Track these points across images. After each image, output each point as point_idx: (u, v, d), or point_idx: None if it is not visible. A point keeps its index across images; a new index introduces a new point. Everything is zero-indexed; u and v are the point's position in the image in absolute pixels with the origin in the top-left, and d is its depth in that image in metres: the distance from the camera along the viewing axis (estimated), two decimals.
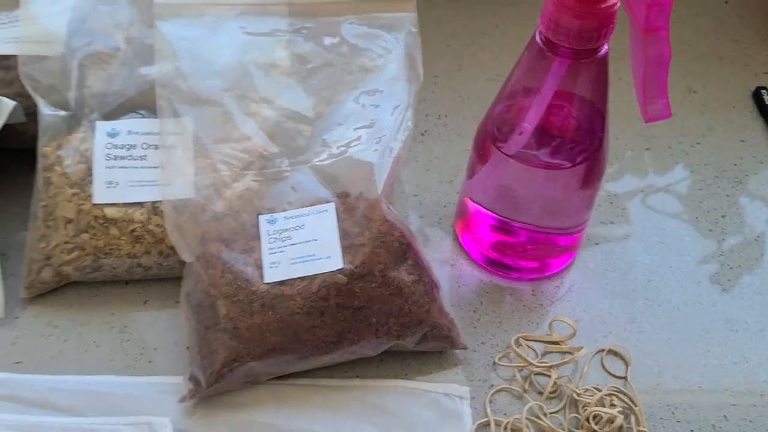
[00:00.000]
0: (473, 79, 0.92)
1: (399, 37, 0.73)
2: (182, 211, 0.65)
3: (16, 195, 0.74)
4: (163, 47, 0.70)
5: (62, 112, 0.69)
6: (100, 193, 0.66)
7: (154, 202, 0.67)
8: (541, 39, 0.57)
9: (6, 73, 0.72)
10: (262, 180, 0.65)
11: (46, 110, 0.69)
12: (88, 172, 0.67)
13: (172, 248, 0.66)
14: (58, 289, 0.69)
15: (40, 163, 0.68)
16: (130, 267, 0.67)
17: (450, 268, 0.72)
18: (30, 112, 0.71)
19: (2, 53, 0.71)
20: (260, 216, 0.63)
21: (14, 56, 0.71)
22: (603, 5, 0.52)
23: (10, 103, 0.69)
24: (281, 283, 0.60)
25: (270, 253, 0.61)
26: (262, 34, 0.73)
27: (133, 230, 0.66)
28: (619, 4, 0.53)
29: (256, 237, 0.63)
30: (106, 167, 0.67)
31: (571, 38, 0.54)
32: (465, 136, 0.84)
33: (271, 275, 0.60)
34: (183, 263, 0.67)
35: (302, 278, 0.60)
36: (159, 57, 0.70)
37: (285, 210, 0.64)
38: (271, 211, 0.64)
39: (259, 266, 0.61)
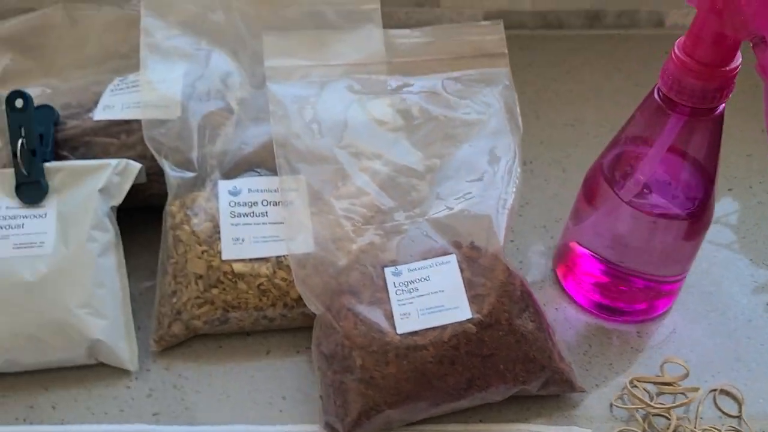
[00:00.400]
0: (550, 125, 0.95)
1: (496, 91, 0.77)
2: (306, 264, 0.68)
3: (136, 250, 0.77)
4: (276, 108, 0.75)
5: (187, 173, 0.73)
6: (228, 250, 0.70)
7: (278, 257, 0.70)
8: (659, 96, 0.60)
9: (128, 137, 0.76)
10: (383, 234, 0.69)
11: (171, 171, 0.73)
12: (215, 230, 0.70)
13: (295, 300, 0.70)
14: (185, 341, 0.72)
15: (167, 221, 0.72)
16: (255, 319, 0.71)
17: (555, 312, 0.75)
18: (150, 172, 0.75)
19: (125, 118, 0.75)
20: (386, 268, 0.67)
21: (136, 120, 0.75)
22: (726, 68, 0.56)
23: (135, 166, 0.73)
24: (413, 333, 0.63)
25: (399, 305, 0.65)
26: (367, 92, 0.77)
27: (260, 284, 0.69)
28: (740, 67, 0.57)
29: (383, 288, 0.66)
30: (231, 224, 0.71)
31: (692, 98, 0.58)
32: (551, 180, 0.87)
33: (403, 326, 0.63)
34: (305, 315, 0.70)
35: (433, 328, 0.63)
36: (274, 118, 0.74)
37: (408, 262, 0.67)
38: (395, 263, 0.67)
39: (390, 317, 0.64)
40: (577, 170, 0.86)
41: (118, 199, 0.72)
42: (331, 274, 0.68)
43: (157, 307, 0.71)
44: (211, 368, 0.71)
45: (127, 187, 0.72)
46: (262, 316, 0.70)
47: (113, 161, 0.72)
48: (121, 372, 0.70)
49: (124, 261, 0.72)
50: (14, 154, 0.70)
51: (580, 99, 0.99)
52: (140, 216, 0.78)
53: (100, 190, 0.71)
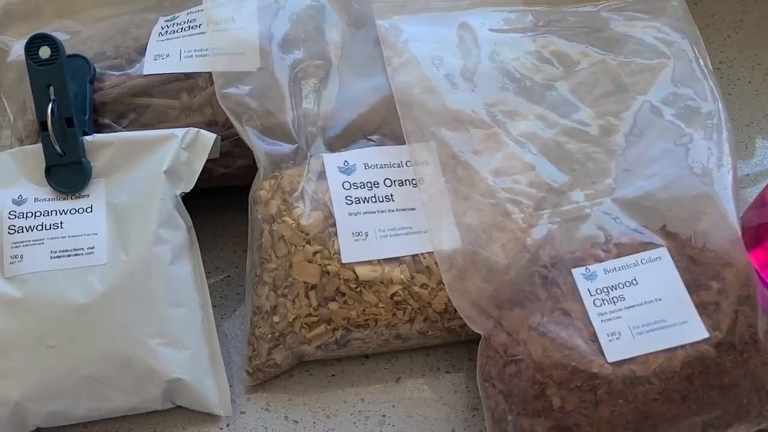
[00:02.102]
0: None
1: (672, 24, 0.59)
2: (453, 265, 0.51)
3: (209, 242, 0.59)
4: (392, 53, 0.56)
5: (281, 144, 0.54)
6: (349, 249, 0.51)
7: (414, 256, 0.52)
8: None
9: (191, 96, 0.56)
10: (560, 221, 0.51)
11: (259, 142, 0.54)
12: (327, 222, 0.52)
13: (440, 313, 0.52)
14: (287, 370, 0.54)
15: (257, 211, 0.53)
16: (385, 340, 0.53)
17: None
18: (224, 145, 0.56)
19: (187, 71, 0.56)
20: (574, 270, 0.49)
21: (201, 74, 0.56)
22: None
23: (209, 137, 0.54)
24: (629, 360, 0.46)
25: (603, 320, 0.47)
26: (507, 29, 0.58)
27: (394, 294, 0.51)
28: None
29: (574, 297, 0.48)
30: (349, 213, 0.52)
31: None
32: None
33: (613, 351, 0.46)
34: (450, 330, 0.53)
35: (656, 353, 0.46)
36: (391, 66, 0.55)
37: (601, 260, 0.50)
38: (583, 262, 0.50)
39: (593, 338, 0.47)
40: None
41: (188, 184, 0.53)
42: (494, 277, 0.50)
43: (250, 328, 0.53)
44: (327, 405, 0.53)
45: (199, 166, 0.53)
46: (395, 336, 0.53)
47: (178, 131, 0.53)
48: (207, 418, 0.52)
49: (203, 267, 0.53)
50: (42, 125, 0.51)
51: None
52: (203, 197, 0.59)
53: (166, 172, 0.52)
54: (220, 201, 0.62)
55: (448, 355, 0.56)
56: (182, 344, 0.49)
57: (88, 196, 0.51)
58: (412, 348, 0.55)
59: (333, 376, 0.55)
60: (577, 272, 0.49)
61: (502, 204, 0.51)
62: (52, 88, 0.50)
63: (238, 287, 0.59)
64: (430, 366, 0.55)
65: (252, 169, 0.58)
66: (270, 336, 0.52)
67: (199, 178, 0.55)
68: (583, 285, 0.49)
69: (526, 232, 0.50)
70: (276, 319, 0.52)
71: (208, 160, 0.55)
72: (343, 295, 0.51)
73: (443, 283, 0.51)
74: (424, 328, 0.53)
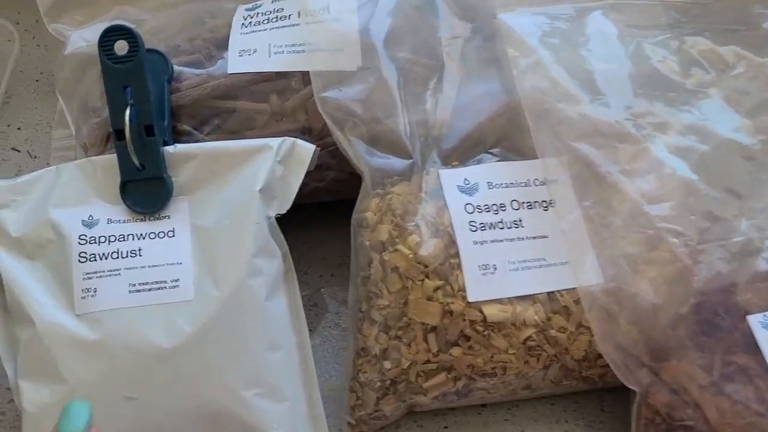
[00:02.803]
0: None
1: None
2: (599, 304, 0.43)
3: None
4: (517, 51, 0.48)
5: (391, 158, 0.47)
6: (476, 285, 0.44)
7: (550, 293, 0.44)
8: None
9: (282, 100, 0.49)
10: (728, 256, 0.44)
11: (365, 155, 0.46)
12: (448, 252, 0.44)
13: (579, 361, 0.45)
14: (391, 423, 0.47)
15: (363, 236, 0.46)
16: (512, 390, 0.46)
17: None
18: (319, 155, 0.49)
19: (278, 69, 0.48)
20: (750, 317, 0.42)
21: (293, 73, 0.49)
22: None
23: (308, 149, 0.46)
24: None
25: None
26: (648, 26, 0.51)
27: (527, 338, 0.44)
28: None
29: (747, 350, 0.41)
30: (474, 242, 0.45)
31: None
32: None
33: None
34: (586, 379, 0.46)
35: None
36: (516, 68, 0.48)
37: None
38: (760, 306, 0.42)
39: None
40: None
41: (283, 203, 0.46)
42: (642, 319, 0.43)
43: (354, 373, 0.46)
44: None
45: (296, 183, 0.46)
46: (524, 386, 0.46)
47: (273, 142, 0.45)
48: None
49: (300, 300, 0.46)
50: (117, 133, 0.43)
51: None
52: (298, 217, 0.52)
53: (261, 191, 0.44)
54: (303, 217, 0.55)
55: (577, 404, 0.48)
56: (281, 394, 0.42)
57: (168, 217, 0.44)
58: (537, 397, 0.48)
59: (446, 428, 0.47)
60: (754, 320, 0.42)
61: (660, 234, 0.44)
62: (129, 90, 0.43)
63: (326, 318, 0.52)
64: (556, 417, 0.48)
65: (345, 184, 0.51)
66: (379, 384, 0.45)
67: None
68: (762, 335, 0.41)
69: (690, 269, 0.43)
70: (387, 365, 0.44)
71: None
72: (468, 339, 0.44)
73: (584, 326, 0.44)
74: (558, 378, 0.45)
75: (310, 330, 0.51)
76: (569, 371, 0.45)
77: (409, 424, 0.47)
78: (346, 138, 0.47)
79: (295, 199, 0.51)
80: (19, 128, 0.64)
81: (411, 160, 0.46)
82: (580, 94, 0.47)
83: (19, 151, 0.62)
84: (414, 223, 0.45)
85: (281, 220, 0.49)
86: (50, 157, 0.61)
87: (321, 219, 0.55)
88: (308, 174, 0.49)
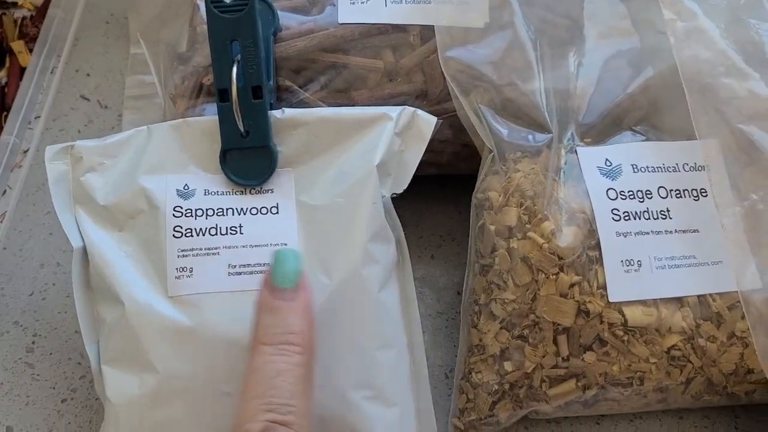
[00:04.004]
0: None
1: None
2: (758, 313, 0.39)
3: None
4: (677, 15, 0.42)
5: (525, 131, 0.42)
6: (617, 283, 0.39)
7: (700, 297, 0.40)
8: None
9: (397, 56, 0.44)
10: None
11: (497, 127, 0.41)
12: (587, 243, 0.40)
13: (727, 375, 0.40)
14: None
15: (486, 218, 0.41)
16: (646, 403, 0.41)
17: None
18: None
19: (395, 22, 0.43)
20: None
21: (411, 26, 0.43)
22: None
23: (429, 121, 0.41)
24: None
25: None
26: None
27: (672, 347, 0.39)
28: None
29: None
30: (617, 233, 0.40)
31: None
32: None
33: None
34: (729, 396, 0.41)
35: None
36: (676, 34, 0.42)
37: None
38: None
39: None
40: None
41: (399, 182, 0.41)
42: None
43: (465, 371, 0.42)
44: None
45: (415, 160, 0.41)
46: (659, 399, 0.41)
47: (392, 111, 0.41)
48: None
49: (414, 293, 0.42)
50: (221, 94, 0.39)
51: None
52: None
53: (379, 166, 0.40)
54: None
55: (707, 421, 0.44)
56: (390, 399, 0.38)
57: (272, 191, 0.39)
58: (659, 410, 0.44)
59: None
60: None
61: None
62: (235, 45, 0.38)
63: (427, 307, 0.48)
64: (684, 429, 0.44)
65: (459, 157, 0.47)
66: (496, 387, 0.41)
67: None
68: None
69: None
70: (508, 366, 0.40)
71: None
72: (605, 344, 0.39)
73: (737, 336, 0.39)
74: (700, 392, 0.41)
75: None
76: (713, 386, 0.41)
77: (520, 430, 0.44)
78: (472, 105, 0.42)
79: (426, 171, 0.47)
80: (88, 74, 0.60)
81: (549, 135, 0.41)
82: (748, 69, 0.41)
83: (88, 100, 0.58)
84: (548, 208, 0.40)
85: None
86: (122, 107, 0.57)
87: (418, 193, 0.50)
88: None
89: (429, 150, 0.46)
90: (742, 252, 0.39)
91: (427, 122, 0.41)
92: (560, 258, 0.39)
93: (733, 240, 0.39)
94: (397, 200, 0.51)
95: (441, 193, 0.52)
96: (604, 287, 0.39)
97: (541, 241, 0.40)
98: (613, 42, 0.44)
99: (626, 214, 0.40)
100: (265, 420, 0.31)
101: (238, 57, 0.38)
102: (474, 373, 0.41)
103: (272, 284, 0.34)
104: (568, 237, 0.39)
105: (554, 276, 0.39)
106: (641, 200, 0.41)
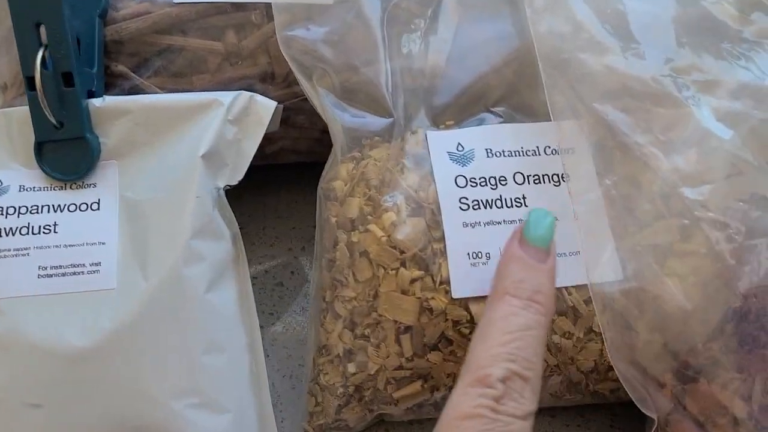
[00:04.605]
0: None
1: None
2: (616, 307, 0.36)
3: (254, 235, 0.45)
4: None
5: (369, 116, 0.39)
6: (462, 277, 0.37)
7: (567, 289, 0.37)
8: None
9: (239, 37, 0.41)
10: None
11: (337, 112, 0.39)
12: (431, 236, 0.37)
13: (586, 373, 0.38)
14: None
15: (329, 210, 0.39)
16: None
17: None
18: (285, 107, 0.42)
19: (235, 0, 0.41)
20: None
21: (254, 4, 0.41)
22: None
23: (269, 106, 0.39)
24: None
25: None
26: None
27: None
28: None
29: None
30: (464, 224, 0.37)
31: None
32: None
33: None
34: (593, 394, 0.39)
35: None
36: (533, 7, 0.39)
37: None
38: None
39: None
40: None
41: (236, 173, 0.39)
42: (668, 327, 0.36)
43: (314, 373, 0.40)
44: None
45: (252, 148, 0.39)
46: None
47: (224, 96, 0.38)
48: None
49: (251, 292, 0.40)
50: (29, 81, 0.37)
51: None
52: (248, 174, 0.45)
53: (205, 157, 0.37)
54: (270, 178, 0.48)
55: (581, 418, 0.42)
56: (221, 405, 0.36)
57: (94, 185, 0.37)
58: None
59: None
60: None
61: (696, 224, 0.36)
62: (41, 29, 0.36)
63: (293, 301, 0.46)
64: (556, 428, 0.42)
65: (320, 143, 0.44)
66: (341, 390, 0.38)
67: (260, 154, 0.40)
68: None
69: (734, 270, 0.35)
70: (352, 368, 0.38)
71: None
72: (450, 342, 0.37)
73: (594, 332, 0.37)
74: (560, 391, 0.39)
75: (272, 314, 0.45)
76: (573, 384, 0.38)
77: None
78: (315, 89, 0.39)
79: (262, 160, 0.45)
80: None
81: (390, 119, 0.39)
82: (608, 42, 0.38)
83: None
84: (392, 198, 0.38)
85: (244, 185, 0.43)
86: None
87: (294, 183, 0.48)
88: (275, 132, 0.42)
89: (286, 137, 0.44)
90: (596, 241, 0.37)
91: (266, 107, 0.39)
92: (401, 252, 0.37)
93: (586, 229, 0.37)
94: (273, 192, 0.49)
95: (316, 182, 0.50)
96: (448, 282, 0.37)
97: (380, 233, 0.37)
98: (474, 16, 0.41)
99: (476, 202, 0.38)
100: (508, 369, 0.30)
101: (46, 42, 0.36)
102: (322, 375, 0.39)
103: (526, 241, 0.34)
104: (408, 229, 0.37)
105: (394, 271, 0.37)
106: (494, 187, 0.38)
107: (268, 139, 0.43)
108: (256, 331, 0.39)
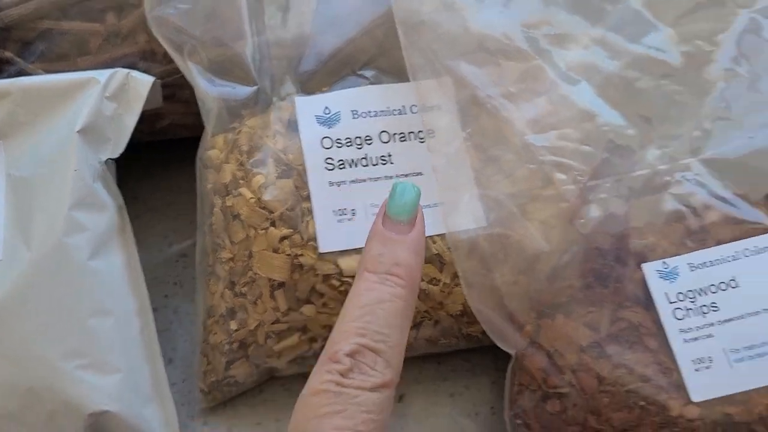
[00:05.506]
0: None
1: None
2: (474, 253, 0.38)
3: (160, 209, 0.47)
4: None
5: (235, 86, 0.41)
6: (328, 233, 0.39)
7: (432, 238, 0.40)
8: None
9: (119, 17, 0.43)
10: (627, 193, 0.38)
11: (205, 84, 0.41)
12: (299, 195, 0.40)
13: (456, 317, 0.40)
14: (255, 387, 0.44)
15: (206, 179, 0.41)
16: None
17: None
18: (167, 85, 0.44)
19: None
20: (645, 265, 0.36)
21: None
22: None
23: (145, 81, 0.41)
24: (723, 400, 0.34)
25: (686, 341, 0.35)
26: None
27: None
28: None
29: (641, 304, 0.36)
30: (330, 183, 0.40)
31: None
32: None
33: (701, 386, 0.34)
34: (468, 338, 0.42)
35: (763, 391, 0.34)
36: None
37: (686, 250, 0.37)
38: (659, 253, 0.37)
39: (672, 367, 0.35)
40: None
41: (117, 146, 0.41)
42: (530, 268, 0.38)
43: (204, 334, 0.42)
44: None
45: (132, 121, 0.41)
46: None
47: (100, 75, 0.41)
48: None
49: (138, 260, 0.42)
50: None
51: None
52: (151, 151, 0.48)
53: (82, 132, 0.40)
54: (175, 153, 0.50)
55: (467, 363, 0.44)
56: (110, 365, 0.38)
57: None
58: (416, 357, 0.44)
59: None
60: (650, 268, 0.36)
61: (544, 169, 0.38)
62: None
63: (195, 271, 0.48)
64: (443, 377, 0.44)
65: None
66: (227, 347, 0.41)
67: (138, 130, 0.43)
68: (658, 287, 0.36)
69: (578, 209, 0.38)
70: (233, 325, 0.40)
71: (148, 110, 0.43)
72: (322, 295, 0.39)
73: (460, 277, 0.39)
74: (434, 336, 0.41)
75: (176, 284, 0.48)
76: (446, 328, 0.41)
77: (274, 388, 0.43)
78: (186, 64, 0.41)
79: (155, 136, 0.47)
80: None
81: (254, 87, 0.41)
82: (462, 2, 0.40)
83: None
84: (261, 162, 0.40)
85: (151, 161, 0.45)
86: None
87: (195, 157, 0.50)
88: (161, 107, 0.45)
89: (174, 112, 0.46)
90: (458, 192, 0.39)
91: (143, 83, 0.41)
92: (270, 212, 0.39)
93: (446, 181, 0.39)
94: (172, 166, 0.51)
95: None
96: (315, 239, 0.39)
97: (250, 196, 0.39)
98: None
99: (341, 162, 0.40)
100: (356, 343, 0.31)
101: None
102: (211, 335, 0.42)
103: (387, 215, 0.35)
104: (276, 191, 0.39)
105: (264, 231, 0.39)
106: (359, 147, 0.41)
107: (156, 115, 0.45)
108: (145, 297, 0.41)
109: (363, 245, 0.38)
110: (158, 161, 0.51)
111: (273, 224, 0.39)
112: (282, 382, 0.44)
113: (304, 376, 0.43)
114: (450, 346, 0.42)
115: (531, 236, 0.38)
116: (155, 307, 0.46)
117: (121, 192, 0.42)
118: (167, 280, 0.48)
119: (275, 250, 0.39)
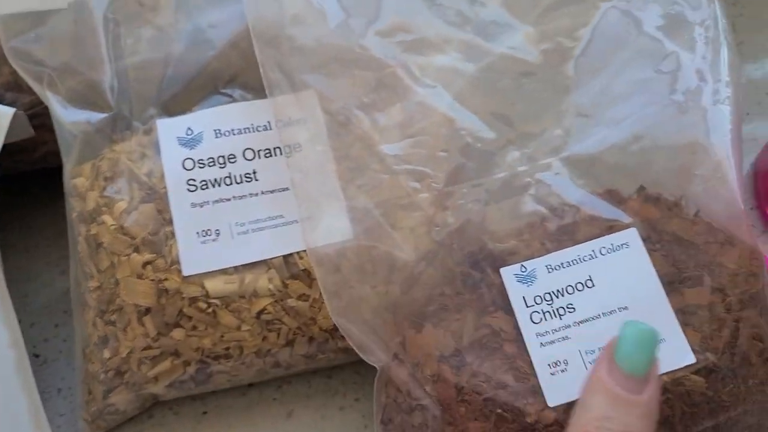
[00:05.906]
0: None
1: None
2: (342, 266, 0.38)
3: (26, 248, 0.47)
4: None
5: (93, 114, 0.41)
6: (191, 256, 0.39)
7: (286, 257, 0.39)
8: None
9: None
10: (485, 197, 0.38)
11: (64, 112, 0.41)
12: (162, 219, 0.39)
13: (329, 331, 0.40)
14: (144, 412, 0.43)
15: (72, 207, 0.41)
16: (260, 370, 0.41)
17: None
18: (36, 115, 0.44)
19: None
20: (504, 269, 0.36)
21: None
22: None
23: (5, 114, 0.41)
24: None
25: (542, 344, 0.34)
26: None
27: (261, 311, 0.39)
28: None
29: (502, 309, 0.36)
30: (192, 204, 0.39)
31: None
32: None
33: (557, 390, 0.33)
34: (345, 351, 0.41)
35: None
36: None
37: (544, 252, 0.36)
38: (516, 256, 0.36)
39: (528, 373, 0.34)
40: None
41: None
42: (398, 279, 0.38)
43: (84, 363, 0.42)
44: None
45: None
46: (272, 364, 0.41)
47: None
48: None
49: (5, 289, 0.41)
50: None
51: None
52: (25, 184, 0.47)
53: None
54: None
55: (357, 376, 0.44)
56: None
57: None
58: (304, 372, 0.44)
59: (205, 413, 0.43)
60: (509, 272, 0.36)
61: (399, 179, 0.38)
62: None
63: None
64: (333, 392, 0.44)
65: None
66: (103, 375, 0.40)
67: (18, 160, 0.42)
68: (516, 291, 0.36)
69: (436, 216, 0.37)
70: (107, 353, 0.40)
71: (21, 141, 0.42)
72: (190, 318, 0.39)
73: None
74: (310, 352, 0.41)
75: (66, 313, 0.47)
76: (321, 343, 0.40)
77: (163, 412, 0.43)
78: (45, 93, 0.41)
79: (34, 165, 0.47)
80: None
81: (110, 113, 0.41)
82: (314, 17, 0.40)
83: None
84: (123, 188, 0.39)
85: (35, 191, 0.45)
86: None
87: None
88: (32, 137, 0.44)
89: (48, 141, 0.46)
90: (320, 207, 0.39)
91: (4, 114, 0.41)
92: (132, 238, 0.39)
93: (306, 195, 0.39)
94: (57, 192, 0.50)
95: None
96: (179, 262, 0.38)
97: (111, 222, 0.39)
98: (198, 4, 0.43)
99: (204, 183, 0.40)
100: None
101: None
102: (89, 364, 0.41)
103: (617, 365, 0.29)
104: (137, 215, 0.39)
105: (126, 257, 0.39)
106: (222, 166, 0.40)
107: (30, 146, 0.45)
108: (16, 328, 0.41)
109: (228, 265, 0.39)
110: (51, 188, 0.50)
111: (136, 250, 0.39)
112: (170, 406, 0.44)
113: (191, 399, 0.44)
114: (330, 360, 0.42)
115: (398, 246, 0.38)
116: (45, 338, 0.46)
117: (14, 222, 0.42)
118: (58, 308, 0.47)
119: (139, 276, 0.39)
